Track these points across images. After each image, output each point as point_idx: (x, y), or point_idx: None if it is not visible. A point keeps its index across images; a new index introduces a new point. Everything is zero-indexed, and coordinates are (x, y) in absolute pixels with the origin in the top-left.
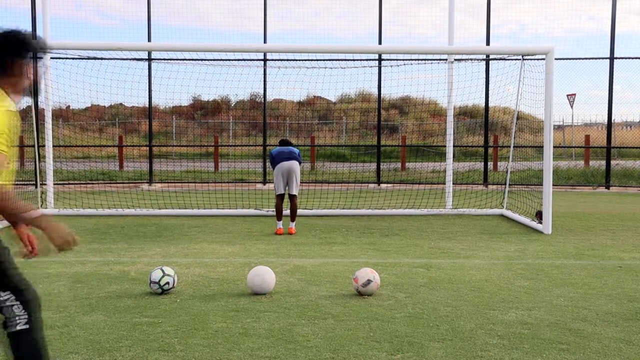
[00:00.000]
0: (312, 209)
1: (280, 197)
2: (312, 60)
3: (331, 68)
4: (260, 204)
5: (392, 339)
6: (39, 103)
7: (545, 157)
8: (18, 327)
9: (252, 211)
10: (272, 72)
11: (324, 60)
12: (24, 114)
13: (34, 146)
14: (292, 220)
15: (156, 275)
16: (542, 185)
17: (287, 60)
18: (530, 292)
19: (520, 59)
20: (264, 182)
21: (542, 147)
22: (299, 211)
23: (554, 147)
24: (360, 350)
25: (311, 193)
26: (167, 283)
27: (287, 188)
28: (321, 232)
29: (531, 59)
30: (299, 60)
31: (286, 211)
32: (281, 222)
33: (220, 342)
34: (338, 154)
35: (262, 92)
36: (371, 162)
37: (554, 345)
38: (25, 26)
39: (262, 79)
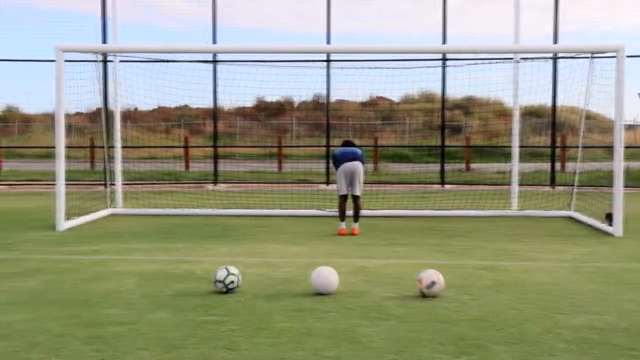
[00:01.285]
0: (375, 210)
1: (343, 198)
2: (375, 60)
3: (394, 68)
4: (323, 205)
5: (457, 341)
6: (108, 105)
7: (615, 157)
8: None
9: (315, 211)
10: (335, 73)
11: (386, 60)
12: (94, 116)
13: (103, 147)
14: (356, 221)
15: (221, 274)
16: (611, 186)
17: (350, 60)
18: (599, 296)
19: (589, 57)
20: (327, 182)
21: (612, 147)
22: (362, 212)
23: (625, 147)
24: (424, 352)
25: (374, 194)
26: (232, 282)
27: (350, 189)
28: (384, 233)
29: (601, 57)
30: (362, 60)
31: (349, 212)
32: (344, 222)
33: (284, 341)
34: (401, 155)
35: (325, 92)
36: (435, 163)
37: (625, 352)
38: (96, 30)
39: (325, 80)
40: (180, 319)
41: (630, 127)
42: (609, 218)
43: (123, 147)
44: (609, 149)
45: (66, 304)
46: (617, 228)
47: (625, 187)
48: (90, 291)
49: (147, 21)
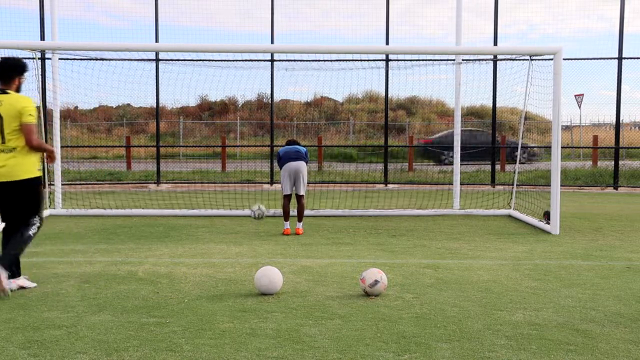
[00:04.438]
0: (319, 210)
1: (287, 198)
2: (319, 60)
3: (338, 69)
4: (267, 204)
5: (399, 339)
6: (47, 104)
7: (553, 157)
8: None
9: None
10: (279, 73)
11: (331, 60)
12: None
13: None
14: (300, 220)
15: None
16: (549, 185)
17: (295, 60)
18: (538, 292)
19: (528, 59)
20: (271, 182)
21: (550, 147)
22: (306, 211)
23: (562, 147)
24: (367, 351)
25: (318, 193)
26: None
27: (294, 188)
28: (328, 232)
29: (539, 59)
30: (306, 60)
31: (293, 211)
32: (288, 222)
33: (228, 342)
34: (345, 155)
35: (269, 92)
36: (378, 163)
37: (562, 346)
38: (33, 27)
39: (270, 80)
40: (121, 321)
41: (567, 128)
42: (546, 216)
43: (63, 146)
44: (547, 148)
45: (2, 308)
46: (554, 226)
47: (563, 186)
48: (27, 294)
49: (88, 18)
